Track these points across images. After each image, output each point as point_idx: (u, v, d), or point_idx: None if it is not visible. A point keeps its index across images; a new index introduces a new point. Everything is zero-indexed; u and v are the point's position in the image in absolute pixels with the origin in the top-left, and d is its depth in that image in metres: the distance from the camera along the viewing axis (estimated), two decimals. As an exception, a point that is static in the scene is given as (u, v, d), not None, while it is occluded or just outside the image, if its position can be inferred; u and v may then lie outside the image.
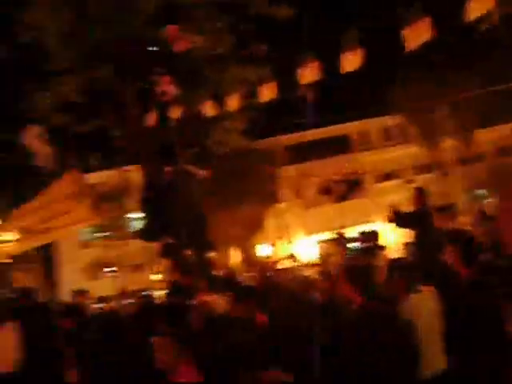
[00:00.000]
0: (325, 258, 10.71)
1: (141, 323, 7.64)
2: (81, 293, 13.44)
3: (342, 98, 21.76)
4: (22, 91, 12.15)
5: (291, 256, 11.23)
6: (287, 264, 10.43)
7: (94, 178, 15.57)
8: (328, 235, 22.91)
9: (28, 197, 12.21)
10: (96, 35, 11.72)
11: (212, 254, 10.20)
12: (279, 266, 10.09)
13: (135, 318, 8.77)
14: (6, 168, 14.10)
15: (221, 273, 10.49)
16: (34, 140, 15.81)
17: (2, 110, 15.34)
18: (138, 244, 15.98)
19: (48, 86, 11.59)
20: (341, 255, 9.05)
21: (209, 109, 9.65)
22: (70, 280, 19.54)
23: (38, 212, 11.46)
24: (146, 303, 9.92)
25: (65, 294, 17.56)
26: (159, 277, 16.78)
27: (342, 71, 6.33)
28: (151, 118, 10.29)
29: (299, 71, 7.19)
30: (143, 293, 14.05)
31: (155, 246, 12.28)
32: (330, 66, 7.06)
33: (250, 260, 16.87)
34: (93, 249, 18.31)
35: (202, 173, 9.48)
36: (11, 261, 13.99)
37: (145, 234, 9.95)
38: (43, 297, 16.07)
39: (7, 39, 12.10)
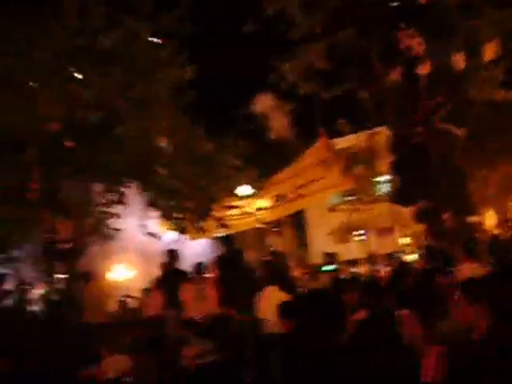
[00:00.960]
0: None
1: (395, 289, 7.39)
2: (330, 256, 13.68)
3: None
4: (269, 63, 12.52)
5: None
6: None
7: (342, 142, 15.64)
8: None
9: (280, 165, 12.74)
10: (336, -1, 11.54)
11: (472, 218, 9.48)
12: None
13: (390, 284, 8.56)
14: (257, 138, 14.77)
15: (483, 237, 9.74)
16: (270, 109, 16.34)
17: (252, 84, 16.11)
18: (386, 207, 15.72)
19: (294, 56, 11.77)
20: None
21: (461, 60, 8.91)
22: (320, 243, 20.11)
23: (291, 180, 11.92)
24: (400, 269, 9.66)
25: (315, 257, 18.11)
26: (409, 240, 16.35)
27: None
28: (398, 76, 9.85)
29: None
30: (395, 256, 13.83)
31: (405, 209, 11.89)
32: None
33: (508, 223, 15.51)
34: (341, 212, 18.50)
35: (457, 131, 8.79)
36: (266, 226, 14.86)
37: (398, 198, 9.61)
38: (295, 259, 16.76)
39: (253, 14, 12.52)
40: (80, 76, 9.72)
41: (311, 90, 11.87)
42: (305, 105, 13.81)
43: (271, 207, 12.12)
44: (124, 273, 17.17)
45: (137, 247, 15.26)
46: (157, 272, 10.05)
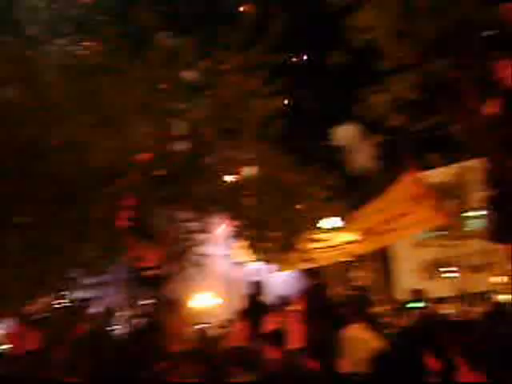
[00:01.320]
0: None
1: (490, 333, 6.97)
2: (417, 292, 13.16)
3: None
4: (356, 95, 12.40)
5: None
6: None
7: (431, 176, 15.16)
8: None
9: (366, 199, 12.48)
10: (427, 27, 11.29)
11: None
12: None
13: (484, 326, 8.10)
14: (343, 170, 14.59)
15: None
16: (355, 141, 16.09)
17: (338, 115, 16.01)
18: (477, 243, 15.01)
19: (382, 87, 11.58)
20: None
21: None
22: (407, 279, 19.46)
23: (378, 214, 11.64)
24: (496, 310, 9.14)
25: (401, 293, 17.54)
26: (503, 280, 15.50)
27: None
28: (494, 107, 9.44)
29: None
30: (489, 296, 13.13)
31: (499, 246, 11.28)
32: None
33: None
34: (429, 248, 17.85)
35: None
36: (351, 260, 14.56)
37: (493, 234, 9.12)
38: (379, 295, 16.28)
39: (340, 45, 12.50)
40: (171, 108, 9.97)
41: (400, 122, 11.61)
42: (393, 136, 13.53)
43: (357, 241, 11.86)
44: (207, 301, 17.32)
45: (221, 276, 15.37)
46: (240, 302, 10.01)
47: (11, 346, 10.54)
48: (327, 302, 9.07)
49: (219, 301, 16.75)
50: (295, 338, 8.22)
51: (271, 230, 10.57)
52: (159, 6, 10.58)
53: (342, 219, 12.55)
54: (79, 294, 10.16)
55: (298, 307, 8.64)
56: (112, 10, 14.26)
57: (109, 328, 10.58)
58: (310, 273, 9.23)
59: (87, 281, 10.00)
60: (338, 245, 11.75)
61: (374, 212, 11.63)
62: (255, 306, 9.15)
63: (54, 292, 10.24)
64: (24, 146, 9.41)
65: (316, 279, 9.10)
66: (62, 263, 9.75)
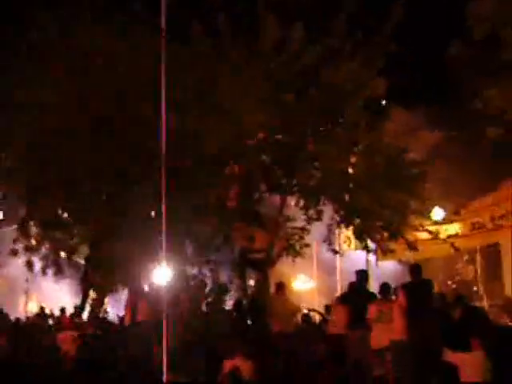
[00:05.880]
0: None
1: None
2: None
3: None
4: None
5: None
6: None
7: None
8: None
9: (478, 192, 12.10)
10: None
11: None
12: None
13: None
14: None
15: None
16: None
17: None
18: None
19: (502, 80, 11.17)
20: None
21: None
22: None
23: (490, 209, 11.33)
24: None
25: (510, 290, 16.88)
26: None
27: None
28: None
29: None
30: None
31: None
32: None
33: None
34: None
35: None
36: (458, 254, 14.17)
37: None
38: (486, 290, 15.74)
39: (459, 36, 12.08)
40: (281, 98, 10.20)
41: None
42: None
43: (466, 235, 11.62)
44: (304, 284, 17.82)
45: (320, 261, 15.68)
46: (335, 288, 10.09)
47: (125, 315, 11.26)
48: (431, 299, 8.89)
49: (312, 284, 17.17)
50: (397, 329, 8.23)
51: (377, 218, 10.58)
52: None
53: (451, 211, 12.32)
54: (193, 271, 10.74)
55: (402, 299, 8.59)
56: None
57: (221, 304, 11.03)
58: (414, 266, 9.07)
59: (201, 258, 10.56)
60: (445, 237, 11.54)
61: (485, 207, 11.34)
62: (358, 294, 9.21)
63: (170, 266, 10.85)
64: (141, 130, 10.03)
65: (420, 273, 8.94)
66: (178, 240, 10.34)
